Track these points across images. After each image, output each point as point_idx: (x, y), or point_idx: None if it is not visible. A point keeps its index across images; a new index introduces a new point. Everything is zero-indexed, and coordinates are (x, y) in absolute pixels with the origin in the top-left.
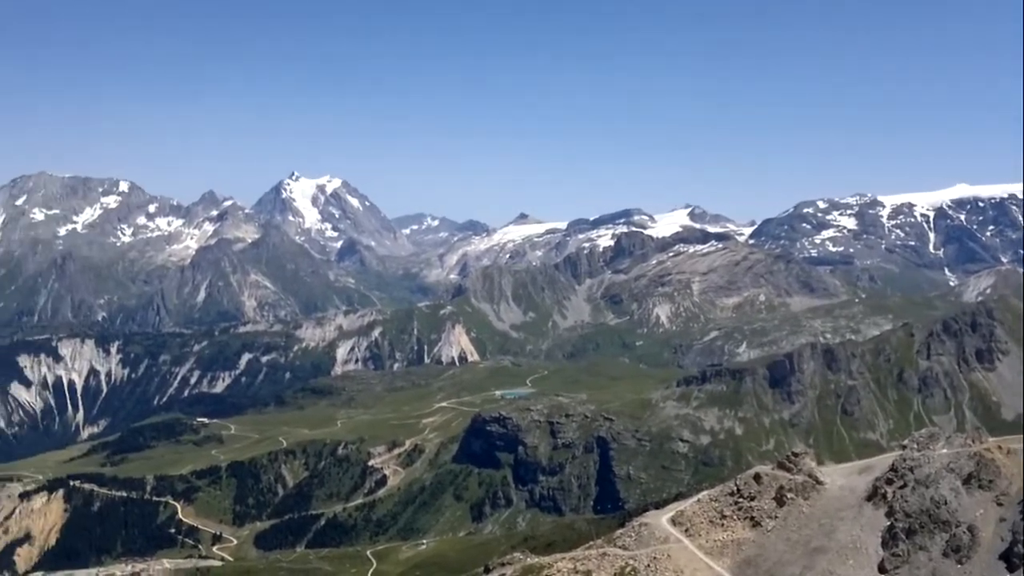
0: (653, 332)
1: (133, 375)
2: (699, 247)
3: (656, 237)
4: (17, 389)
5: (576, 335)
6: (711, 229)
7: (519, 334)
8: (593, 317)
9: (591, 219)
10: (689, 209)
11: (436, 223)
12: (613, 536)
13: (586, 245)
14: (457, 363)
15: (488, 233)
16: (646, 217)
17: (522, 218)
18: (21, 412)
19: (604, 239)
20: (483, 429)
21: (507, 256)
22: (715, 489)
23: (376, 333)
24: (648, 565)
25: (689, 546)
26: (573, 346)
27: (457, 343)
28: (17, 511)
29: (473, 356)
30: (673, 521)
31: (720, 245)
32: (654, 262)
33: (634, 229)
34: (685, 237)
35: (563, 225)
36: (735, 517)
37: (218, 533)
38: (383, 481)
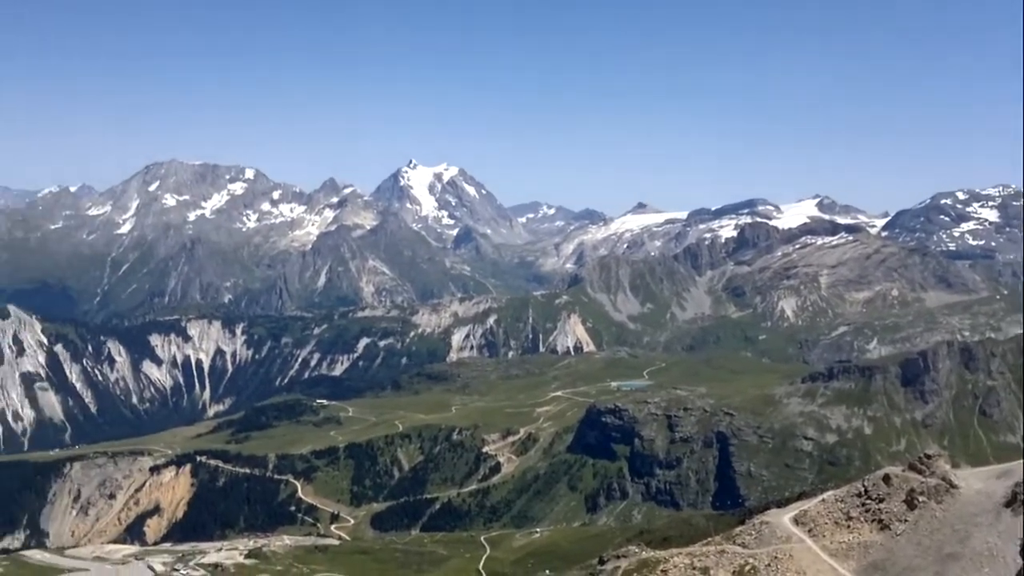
0: (777, 326)
1: (257, 356)
2: (828, 239)
3: (782, 228)
4: (149, 367)
5: (696, 327)
6: (841, 220)
7: (636, 325)
8: (714, 309)
9: (713, 209)
10: (818, 199)
11: (552, 212)
12: (732, 533)
13: (707, 235)
14: (572, 353)
15: (605, 222)
16: (771, 207)
17: (640, 207)
18: (152, 389)
19: (727, 229)
20: (598, 420)
21: (625, 246)
22: (841, 489)
23: (491, 321)
24: (768, 564)
25: (812, 547)
26: (692, 339)
27: (572, 333)
28: (148, 484)
29: (589, 346)
30: (796, 520)
31: (850, 237)
32: (779, 254)
33: (758, 220)
34: (813, 228)
35: (683, 215)
36: (862, 519)
37: (336, 512)
38: (497, 468)
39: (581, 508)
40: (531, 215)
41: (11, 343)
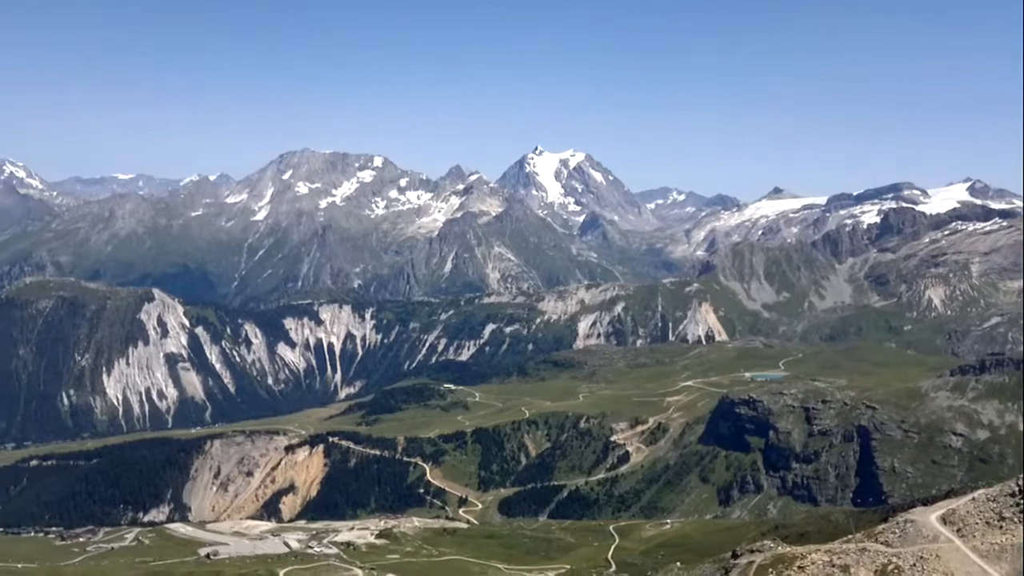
0: (924, 316)
1: (385, 340)
2: (980, 224)
3: (929, 213)
4: (283, 349)
5: (835, 317)
6: (994, 205)
7: (771, 314)
8: (855, 298)
9: (854, 194)
10: (969, 183)
11: (682, 197)
12: (874, 531)
13: (848, 222)
14: (703, 342)
15: (739, 208)
16: (918, 192)
17: (776, 193)
18: (287, 371)
19: (869, 215)
20: (731, 411)
21: (759, 232)
22: (993, 488)
23: (619, 308)
24: (914, 564)
25: (961, 547)
26: (831, 328)
27: (704, 321)
28: (283, 462)
29: (721, 335)
30: (943, 519)
31: (1004, 223)
32: (926, 240)
33: (904, 205)
34: (963, 214)
35: (822, 200)
36: (1016, 520)
37: (464, 497)
38: (626, 457)
39: (713, 500)
40: (660, 201)
41: (156, 325)
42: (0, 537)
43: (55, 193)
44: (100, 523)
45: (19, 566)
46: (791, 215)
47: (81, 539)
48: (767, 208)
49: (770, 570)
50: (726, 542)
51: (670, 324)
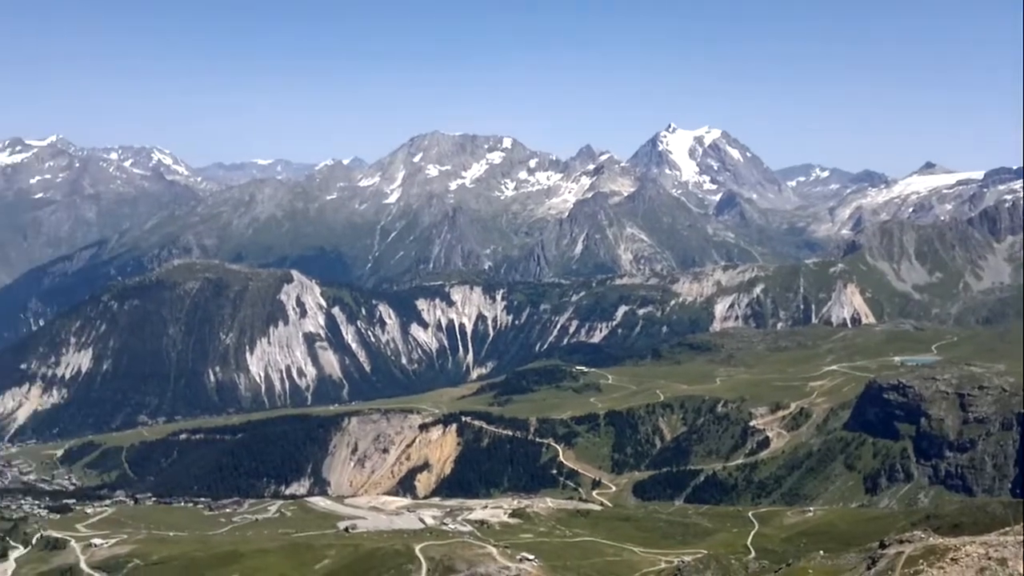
0: None
1: (516, 322)
2: None
3: None
4: (416, 330)
5: (993, 299)
6: None
7: (922, 296)
8: (1015, 279)
9: (1015, 168)
10: None
11: (826, 174)
12: None
13: (1008, 197)
14: (849, 325)
15: (887, 185)
16: None
17: (928, 168)
18: (419, 351)
19: None
20: (879, 396)
21: (910, 210)
22: None
23: (758, 290)
24: None
25: None
26: (989, 311)
27: (849, 303)
28: (417, 440)
29: (868, 318)
30: None
31: None
32: None
33: None
34: None
35: (979, 175)
36: None
37: (597, 479)
38: (766, 443)
39: (859, 488)
40: (802, 178)
41: (295, 305)
42: (153, 507)
43: (199, 179)
44: (245, 495)
45: (171, 534)
46: (944, 191)
47: (227, 510)
48: (918, 184)
49: (920, 561)
50: (873, 532)
51: (813, 306)
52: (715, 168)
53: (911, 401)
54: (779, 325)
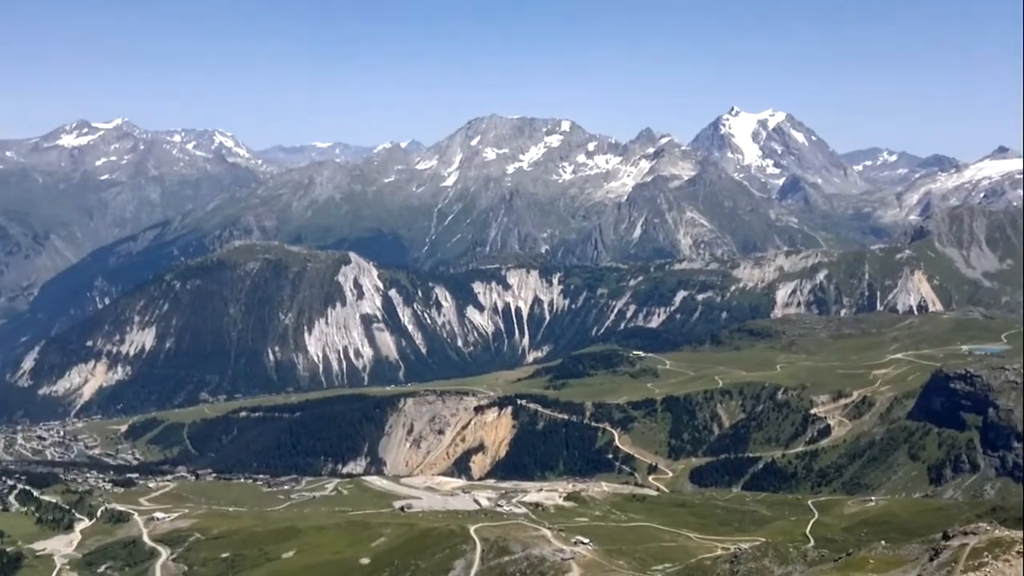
0: None
1: (573, 306)
2: None
3: None
4: (472, 313)
5: None
6: None
7: (993, 283)
8: None
9: None
10: None
11: (893, 158)
12: None
13: None
14: (915, 312)
15: (957, 169)
16: None
17: (1001, 152)
18: (475, 334)
19: None
20: (945, 386)
21: (981, 195)
22: None
23: (821, 276)
24: None
25: None
26: None
27: (916, 290)
28: (472, 422)
29: (935, 305)
30: None
31: None
32: None
33: None
34: None
35: None
36: None
37: (653, 464)
38: (827, 431)
39: (923, 479)
40: (868, 162)
41: (352, 287)
42: (213, 482)
43: (260, 161)
44: (303, 472)
45: (230, 510)
46: (1017, 176)
47: (286, 487)
48: (990, 169)
49: (985, 553)
50: (936, 523)
51: (878, 293)
52: (779, 152)
53: (979, 391)
54: (843, 312)
